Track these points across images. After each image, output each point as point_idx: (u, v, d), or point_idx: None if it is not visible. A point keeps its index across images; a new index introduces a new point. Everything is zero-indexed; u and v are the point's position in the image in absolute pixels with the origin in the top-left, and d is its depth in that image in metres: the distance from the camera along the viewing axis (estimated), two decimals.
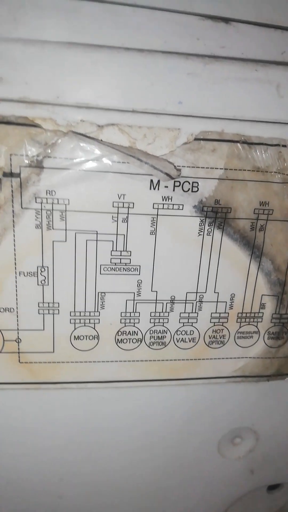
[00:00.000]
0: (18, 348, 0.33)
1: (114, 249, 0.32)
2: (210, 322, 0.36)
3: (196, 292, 0.35)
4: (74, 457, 0.39)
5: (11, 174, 0.29)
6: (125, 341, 0.35)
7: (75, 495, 0.41)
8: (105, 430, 0.39)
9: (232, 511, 0.48)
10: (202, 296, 0.35)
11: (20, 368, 0.34)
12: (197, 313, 0.35)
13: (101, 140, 0.29)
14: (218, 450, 0.43)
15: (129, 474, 0.42)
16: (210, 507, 0.47)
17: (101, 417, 0.38)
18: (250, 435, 0.43)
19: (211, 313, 0.36)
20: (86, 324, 0.34)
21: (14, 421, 0.36)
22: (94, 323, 0.34)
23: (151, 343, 0.36)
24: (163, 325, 0.35)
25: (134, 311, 0.34)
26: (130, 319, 0.34)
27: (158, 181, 0.31)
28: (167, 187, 0.31)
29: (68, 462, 0.39)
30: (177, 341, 0.36)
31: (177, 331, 0.36)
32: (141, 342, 0.35)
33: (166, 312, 0.35)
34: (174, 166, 0.30)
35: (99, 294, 0.33)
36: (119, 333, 0.35)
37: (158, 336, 0.36)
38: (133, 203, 0.31)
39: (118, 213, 0.31)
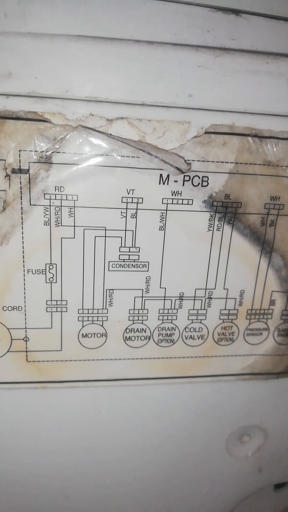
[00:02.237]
0: (26, 347, 0.34)
1: (123, 245, 0.33)
2: (219, 319, 0.36)
3: (205, 289, 0.35)
4: (82, 456, 0.40)
5: (19, 171, 0.29)
6: (133, 338, 0.35)
7: (82, 494, 0.42)
8: (113, 428, 0.39)
9: (238, 510, 0.49)
10: (211, 292, 0.35)
11: (27, 367, 0.34)
12: (206, 309, 0.36)
13: (110, 134, 0.30)
14: (226, 449, 0.43)
15: (136, 472, 0.42)
16: (217, 506, 0.48)
17: (109, 415, 0.38)
18: (258, 433, 0.43)
19: (220, 309, 0.36)
20: (94, 322, 0.34)
21: (22, 420, 0.37)
22: (102, 321, 0.34)
23: (160, 341, 0.36)
24: (171, 322, 0.36)
25: (143, 308, 0.35)
26: (138, 316, 0.35)
27: (168, 175, 0.31)
28: (176, 181, 0.32)
29: (76, 461, 0.40)
30: (186, 338, 0.36)
31: (185, 328, 0.36)
32: (149, 339, 0.36)
33: (174, 309, 0.35)
34: (184, 160, 0.31)
35: (107, 291, 0.34)
36: (127, 330, 0.35)
37: (167, 333, 0.36)
38: (142, 198, 0.32)
39: (127, 208, 0.32)
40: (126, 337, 0.35)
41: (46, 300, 0.33)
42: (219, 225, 0.33)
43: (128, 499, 0.44)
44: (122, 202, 0.31)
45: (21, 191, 0.30)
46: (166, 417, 0.40)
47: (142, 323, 0.35)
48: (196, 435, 0.42)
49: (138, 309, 0.35)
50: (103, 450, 0.40)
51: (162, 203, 0.32)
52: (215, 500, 0.47)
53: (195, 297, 0.35)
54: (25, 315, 0.33)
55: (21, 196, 0.30)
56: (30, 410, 0.36)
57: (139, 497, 0.44)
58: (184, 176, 0.31)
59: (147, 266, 0.33)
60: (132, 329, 0.35)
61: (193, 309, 0.36)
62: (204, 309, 0.36)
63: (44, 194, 0.30)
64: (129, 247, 0.33)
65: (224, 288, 0.35)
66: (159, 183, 0.31)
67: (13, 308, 0.33)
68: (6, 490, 0.40)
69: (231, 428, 0.42)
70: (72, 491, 0.41)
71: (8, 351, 0.34)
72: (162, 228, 0.32)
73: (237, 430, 0.42)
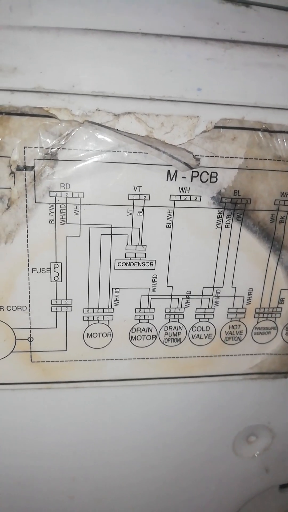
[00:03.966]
0: (30, 347, 0.34)
1: (129, 243, 0.32)
2: (227, 317, 0.36)
3: (213, 287, 0.35)
4: (87, 457, 0.40)
5: (24, 168, 0.29)
6: (139, 338, 0.35)
7: (87, 495, 0.42)
8: (118, 429, 0.39)
9: (244, 510, 0.49)
10: (219, 291, 0.35)
11: (32, 368, 0.34)
12: (214, 308, 0.36)
13: (117, 129, 0.29)
14: (233, 449, 0.43)
15: (141, 472, 0.42)
16: (224, 507, 0.48)
17: (115, 416, 0.38)
18: (265, 433, 0.43)
19: (228, 308, 0.36)
20: (99, 321, 0.34)
21: (26, 421, 0.37)
22: (108, 320, 0.34)
23: (166, 340, 0.36)
24: (178, 321, 0.36)
25: (149, 307, 0.35)
26: (144, 315, 0.35)
27: (175, 172, 0.31)
28: (184, 177, 0.31)
29: (81, 462, 0.40)
30: (193, 338, 0.36)
31: (192, 327, 0.36)
32: (155, 339, 0.36)
33: (181, 307, 0.35)
34: (193, 155, 0.31)
35: (113, 290, 0.33)
36: (133, 330, 0.35)
37: (173, 333, 0.36)
38: (149, 195, 0.31)
39: (133, 205, 0.31)
40: (132, 336, 0.35)
41: (51, 300, 0.33)
42: (228, 222, 0.33)
43: (133, 499, 0.44)
44: (128, 199, 0.31)
45: (26, 189, 0.30)
46: (172, 417, 0.40)
47: (148, 322, 0.35)
48: (202, 435, 0.42)
49: (144, 308, 0.35)
50: (109, 451, 0.40)
51: (170, 199, 0.32)
52: (221, 500, 0.47)
53: (202, 295, 0.35)
54: (30, 315, 0.33)
55: (26, 194, 0.30)
56: (35, 411, 0.36)
57: (145, 498, 0.44)
58: (193, 172, 0.31)
59: (153, 264, 0.33)
60: (138, 329, 0.35)
61: (201, 308, 0.35)
62: (211, 308, 0.36)
63: (50, 191, 0.30)
64: (136, 245, 0.32)
65: (232, 287, 0.35)
66: (167, 180, 0.31)
67: (18, 308, 0.32)
68: (10, 491, 0.40)
69: (238, 428, 0.42)
70: (77, 492, 0.41)
71: (12, 352, 0.33)
72: (169, 226, 0.32)
73: (244, 430, 0.42)
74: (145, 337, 0.35)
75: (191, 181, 0.31)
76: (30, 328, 0.33)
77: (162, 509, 0.45)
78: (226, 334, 0.37)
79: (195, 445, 0.42)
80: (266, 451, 0.44)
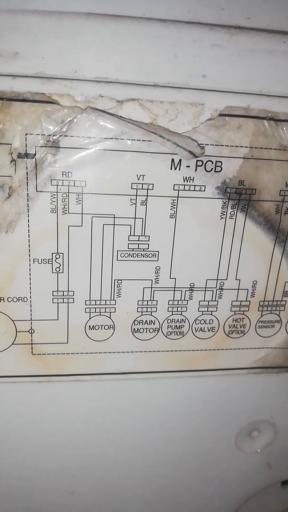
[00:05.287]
0: (31, 339, 0.33)
1: (132, 233, 0.32)
2: (231, 310, 0.36)
3: (217, 279, 0.35)
4: (88, 451, 0.39)
5: (26, 155, 0.29)
6: (141, 330, 0.35)
7: (87, 490, 0.41)
8: (119, 423, 0.39)
9: (246, 506, 0.49)
10: (222, 283, 0.35)
11: (33, 360, 0.34)
12: (217, 301, 0.35)
13: (121, 116, 0.29)
14: (235, 444, 0.43)
15: (143, 467, 0.42)
16: (226, 503, 0.47)
17: (116, 410, 0.38)
18: (268, 428, 0.43)
19: (232, 301, 0.36)
20: (101, 313, 0.34)
21: (26, 415, 0.36)
22: (110, 312, 0.34)
23: (169, 333, 0.36)
24: (181, 314, 0.35)
25: (152, 299, 0.34)
26: (147, 307, 0.34)
27: (180, 160, 0.31)
28: (189, 167, 0.31)
29: (82, 457, 0.39)
30: (196, 331, 0.36)
31: (195, 320, 0.36)
32: (158, 331, 0.35)
33: (184, 300, 0.35)
34: (198, 143, 0.30)
35: (116, 281, 0.33)
36: (136, 322, 0.35)
37: (176, 326, 0.35)
38: (153, 185, 0.31)
39: (136, 195, 0.31)
40: (134, 329, 0.35)
41: (53, 291, 0.32)
42: (232, 212, 0.32)
43: (134, 495, 0.44)
44: (131, 188, 0.31)
45: (27, 177, 0.29)
46: (175, 411, 0.39)
47: (151, 314, 0.35)
48: (205, 430, 0.41)
49: (147, 300, 0.34)
50: (110, 445, 0.40)
51: (174, 189, 0.31)
52: (223, 496, 0.47)
53: (206, 288, 0.35)
54: (31, 307, 0.32)
55: (27, 182, 0.29)
56: (35, 404, 0.36)
57: (146, 493, 0.44)
58: (197, 161, 0.31)
59: (156, 256, 0.33)
60: (141, 321, 0.35)
61: (204, 300, 0.35)
62: (215, 300, 0.35)
63: (51, 180, 0.29)
64: (139, 236, 0.32)
65: (236, 279, 0.35)
66: (171, 169, 0.31)
67: (18, 299, 0.32)
68: (10, 485, 0.40)
69: (241, 423, 0.42)
70: (77, 487, 0.41)
71: (13, 344, 0.33)
72: (173, 216, 0.32)
73: (246, 425, 0.42)
74: (148, 330, 0.35)
75: (196, 170, 0.31)
76: (31, 320, 0.33)
77: (163, 504, 0.45)
78: (230, 328, 0.36)
79: (197, 439, 0.42)
80: (269, 447, 0.44)
